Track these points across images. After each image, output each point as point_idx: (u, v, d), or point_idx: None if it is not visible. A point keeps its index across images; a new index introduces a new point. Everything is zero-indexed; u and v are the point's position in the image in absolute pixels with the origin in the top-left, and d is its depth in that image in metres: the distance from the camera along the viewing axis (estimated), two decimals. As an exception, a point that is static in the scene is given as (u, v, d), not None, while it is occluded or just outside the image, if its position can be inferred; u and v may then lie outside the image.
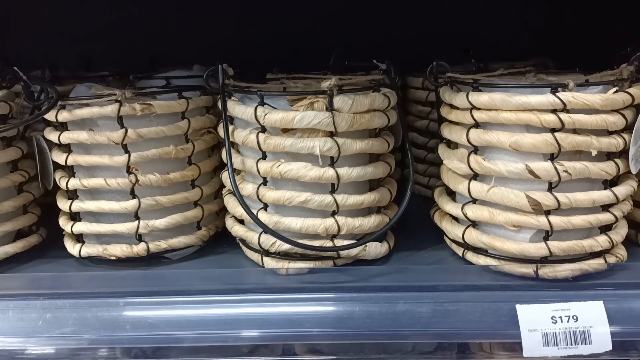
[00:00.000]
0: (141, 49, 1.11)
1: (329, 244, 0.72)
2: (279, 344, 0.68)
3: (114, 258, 0.75)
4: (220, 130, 0.76)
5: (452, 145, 0.76)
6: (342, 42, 0.94)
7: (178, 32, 1.24)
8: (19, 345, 0.69)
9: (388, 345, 0.68)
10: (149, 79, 0.96)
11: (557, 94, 0.62)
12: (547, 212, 0.66)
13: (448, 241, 0.78)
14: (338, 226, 0.71)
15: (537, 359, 0.66)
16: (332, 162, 0.70)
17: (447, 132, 0.74)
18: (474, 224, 0.72)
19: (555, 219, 0.66)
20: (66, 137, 0.74)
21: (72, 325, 0.68)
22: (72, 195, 0.78)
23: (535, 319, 0.66)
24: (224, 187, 0.81)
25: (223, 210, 0.83)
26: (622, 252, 0.72)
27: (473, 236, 0.71)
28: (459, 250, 0.75)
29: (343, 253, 0.72)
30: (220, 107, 0.74)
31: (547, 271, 0.68)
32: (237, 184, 0.73)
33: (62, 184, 0.77)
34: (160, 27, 1.23)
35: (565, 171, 0.64)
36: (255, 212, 0.73)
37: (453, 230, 0.74)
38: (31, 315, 0.69)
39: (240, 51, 1.10)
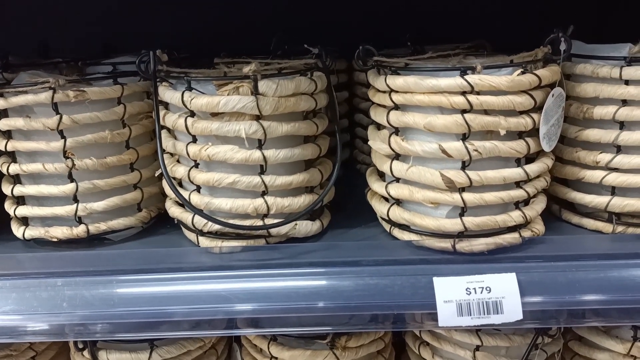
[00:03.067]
0: (99, 37, 1.13)
1: (259, 223, 0.75)
2: (206, 319, 0.72)
3: (56, 240, 0.78)
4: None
5: (380, 127, 0.78)
6: (291, 27, 0.97)
7: (136, 20, 1.26)
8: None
9: (309, 318, 0.71)
10: (98, 65, 0.98)
11: (465, 76, 0.65)
12: (461, 190, 0.69)
13: (379, 218, 0.82)
14: (267, 206, 0.74)
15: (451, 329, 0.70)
16: (260, 145, 0.72)
17: (373, 114, 0.77)
18: (397, 201, 0.75)
19: (469, 196, 0.69)
20: (4, 123, 0.76)
21: (11, 304, 0.72)
22: (15, 180, 0.80)
23: (450, 291, 0.69)
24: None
25: (165, 194, 0.86)
26: (538, 227, 0.75)
27: (396, 213, 0.74)
28: (387, 227, 0.78)
29: (274, 231, 0.75)
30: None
31: (463, 245, 0.72)
32: (171, 166, 0.76)
33: (4, 169, 0.79)
34: (118, 15, 1.25)
35: (476, 150, 0.67)
36: (188, 194, 0.76)
37: (380, 208, 0.77)
38: (-28, 295, 0.73)
39: (198, 37, 1.13)
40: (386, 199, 0.78)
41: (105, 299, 0.71)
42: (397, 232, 0.76)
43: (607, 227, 0.76)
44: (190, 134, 0.72)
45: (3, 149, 0.78)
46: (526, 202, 0.74)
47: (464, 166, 0.68)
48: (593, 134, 0.74)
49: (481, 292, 0.69)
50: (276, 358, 0.81)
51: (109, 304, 0.71)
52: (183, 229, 0.81)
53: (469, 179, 0.68)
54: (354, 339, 0.80)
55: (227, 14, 1.27)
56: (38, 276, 0.73)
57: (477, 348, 0.79)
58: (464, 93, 0.66)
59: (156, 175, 0.79)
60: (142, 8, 1.26)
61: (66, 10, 1.26)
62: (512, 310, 0.69)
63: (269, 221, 0.75)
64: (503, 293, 0.69)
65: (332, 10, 1.24)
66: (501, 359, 0.79)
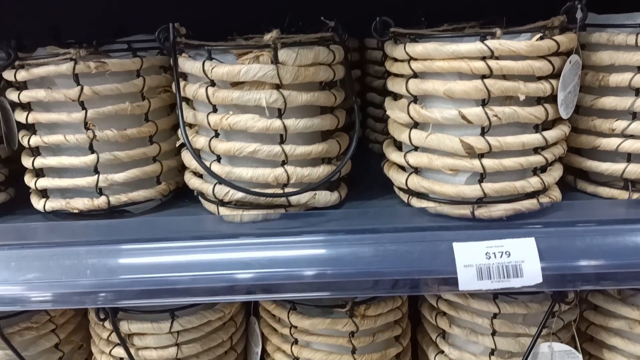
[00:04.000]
0: (113, 20, 1.13)
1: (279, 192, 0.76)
2: (228, 286, 0.72)
3: (77, 211, 0.79)
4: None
5: (397, 97, 0.79)
6: (300, 6, 0.97)
7: (149, 3, 1.26)
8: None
9: (330, 284, 0.72)
10: (112, 44, 0.98)
11: (485, 41, 0.66)
12: (481, 156, 0.70)
13: (396, 190, 0.82)
14: (287, 175, 0.74)
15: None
16: (280, 114, 0.73)
17: (391, 84, 0.77)
18: (416, 170, 0.76)
19: (488, 162, 0.70)
20: (26, 95, 0.77)
21: (35, 272, 0.73)
22: (35, 152, 0.81)
23: (470, 256, 0.70)
24: (183, 143, 0.85)
25: (184, 167, 0.86)
26: (555, 194, 0.76)
27: (415, 182, 0.75)
28: (405, 197, 0.79)
29: (293, 200, 0.76)
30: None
31: (482, 212, 0.72)
32: (191, 137, 0.77)
33: (25, 141, 0.80)
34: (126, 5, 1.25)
35: (495, 115, 0.68)
36: (209, 164, 0.76)
37: (398, 178, 0.78)
38: (-3, 264, 0.74)
39: (211, 20, 1.14)
40: (403, 169, 0.79)
41: (128, 266, 0.72)
42: (415, 202, 0.77)
43: (622, 194, 0.77)
44: (211, 103, 0.73)
45: (24, 121, 0.79)
46: (543, 169, 0.75)
47: (483, 132, 0.69)
48: (609, 101, 0.74)
49: (501, 257, 0.70)
50: (296, 327, 0.83)
51: (132, 271, 0.72)
52: (202, 201, 0.82)
53: (489, 144, 0.69)
54: (373, 307, 0.81)
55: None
56: (61, 245, 0.74)
57: (495, 316, 0.80)
58: (483, 58, 0.66)
59: (177, 144, 0.80)
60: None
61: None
62: (532, 274, 0.70)
63: (288, 191, 0.76)
64: (522, 257, 0.70)
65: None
66: (519, 326, 0.80)
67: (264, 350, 0.91)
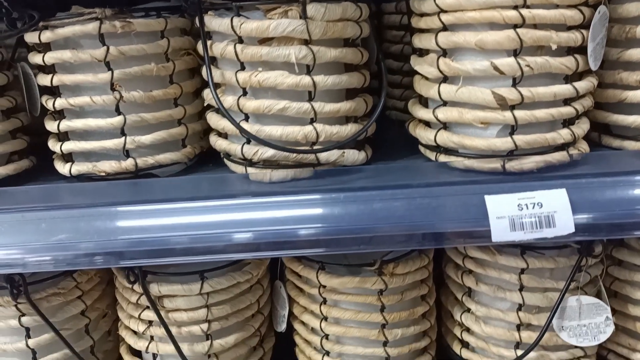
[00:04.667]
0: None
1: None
2: (269, 242, 0.72)
3: (104, 174, 0.79)
4: (200, 50, 0.78)
5: (423, 54, 0.79)
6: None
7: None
8: (17, 255, 0.73)
9: (364, 238, 0.72)
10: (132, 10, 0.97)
11: (517, -10, 0.66)
12: (512, 107, 0.70)
13: (422, 149, 0.82)
14: (317, 133, 0.74)
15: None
16: (308, 71, 0.73)
17: (418, 41, 0.77)
18: (444, 126, 0.76)
19: (520, 113, 0.70)
20: (50, 57, 0.76)
21: (67, 232, 0.73)
22: (60, 116, 0.80)
23: (502, 208, 0.71)
24: (207, 108, 0.85)
25: (207, 132, 0.86)
26: (584, 146, 0.76)
27: (444, 137, 0.75)
28: (432, 155, 0.79)
29: (322, 159, 0.76)
30: (198, 25, 0.77)
31: (513, 164, 0.73)
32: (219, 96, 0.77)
33: (49, 105, 0.79)
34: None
35: (528, 66, 0.68)
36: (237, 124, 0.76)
37: (426, 135, 0.78)
38: (27, 227, 0.73)
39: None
40: (430, 126, 0.79)
41: (159, 225, 0.72)
42: (443, 158, 0.77)
43: (650, 147, 0.78)
44: (239, 60, 0.73)
45: (48, 84, 0.78)
46: (572, 121, 0.75)
47: (515, 83, 0.69)
48: (636, 53, 0.75)
49: (533, 208, 0.70)
50: (325, 286, 0.83)
51: (163, 230, 0.71)
52: (229, 163, 0.81)
53: (521, 95, 0.69)
54: (401, 265, 0.82)
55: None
56: (91, 206, 0.73)
57: (523, 271, 0.81)
58: (516, 7, 0.66)
59: (204, 104, 0.79)
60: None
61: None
62: (565, 224, 0.70)
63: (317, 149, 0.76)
64: (554, 208, 0.70)
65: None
66: (546, 281, 0.81)
67: (290, 314, 0.92)
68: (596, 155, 0.77)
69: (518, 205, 0.71)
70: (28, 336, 0.83)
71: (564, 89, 0.70)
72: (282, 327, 0.92)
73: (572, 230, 0.70)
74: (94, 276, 0.89)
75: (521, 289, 0.82)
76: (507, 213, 0.70)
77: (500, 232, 0.71)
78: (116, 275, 0.86)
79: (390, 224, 0.72)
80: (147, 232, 0.71)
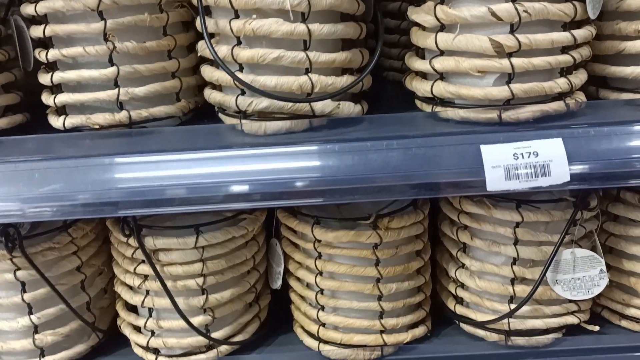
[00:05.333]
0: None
1: (304, 103, 0.75)
2: (265, 192, 0.72)
3: (98, 127, 0.78)
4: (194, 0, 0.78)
5: (420, 3, 0.78)
6: None
7: None
8: (9, 206, 0.73)
9: (361, 188, 0.72)
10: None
11: None
12: (509, 55, 0.69)
13: (418, 103, 0.82)
14: (312, 83, 0.74)
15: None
16: (304, 18, 0.72)
17: (415, -11, 0.76)
18: (441, 76, 0.75)
19: (517, 61, 0.69)
20: (42, 6, 0.75)
21: (61, 182, 0.72)
22: (53, 68, 0.79)
23: (498, 157, 0.70)
24: (202, 62, 0.84)
25: (202, 88, 0.85)
26: (581, 97, 0.76)
27: (441, 88, 0.75)
28: (429, 108, 0.79)
29: (318, 110, 0.75)
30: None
31: (509, 114, 0.72)
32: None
33: (42, 57, 0.78)
34: None
35: (525, 11, 0.67)
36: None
37: (422, 87, 0.77)
38: (20, 177, 0.73)
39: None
40: (426, 77, 0.79)
41: (153, 176, 0.71)
42: (440, 110, 0.77)
43: (646, 99, 0.78)
44: (233, 8, 0.71)
45: (40, 35, 0.77)
46: (569, 70, 0.75)
47: (512, 30, 0.69)
48: (635, 1, 0.74)
49: (528, 157, 0.70)
50: (320, 241, 0.83)
51: (157, 180, 0.71)
52: (224, 117, 0.81)
53: (518, 42, 0.68)
54: (396, 220, 0.82)
55: None
56: (85, 156, 0.73)
57: (518, 225, 0.81)
58: (514, -49, 0.66)
59: (199, 54, 0.78)
60: None
61: None
62: (560, 173, 0.70)
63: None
64: (550, 157, 0.70)
65: None
66: (541, 234, 0.81)
67: (285, 271, 0.92)
68: (593, 105, 0.77)
69: (514, 155, 0.71)
70: (24, 290, 0.83)
71: (562, 37, 0.70)
72: (277, 284, 0.92)
73: (568, 179, 0.70)
74: (89, 232, 0.88)
75: (516, 242, 0.82)
76: (502, 162, 0.70)
77: (495, 182, 0.70)
78: (111, 230, 0.86)
79: (385, 174, 0.71)
80: (141, 182, 0.71)
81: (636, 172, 0.71)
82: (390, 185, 0.72)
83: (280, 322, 0.97)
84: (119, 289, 0.89)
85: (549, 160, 0.70)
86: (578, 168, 0.70)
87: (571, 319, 0.85)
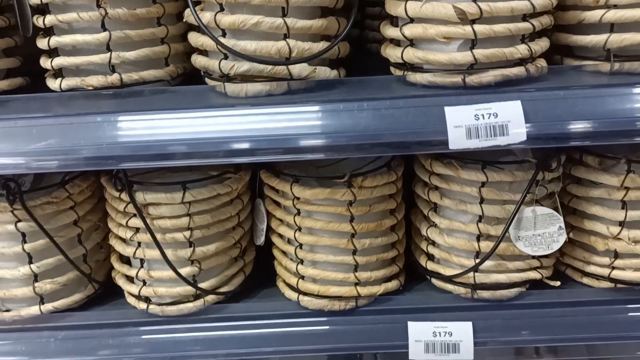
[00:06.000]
0: None
1: (282, 67, 0.80)
2: (245, 149, 0.78)
3: (92, 88, 0.84)
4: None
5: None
6: None
7: None
8: (8, 160, 0.79)
9: (333, 146, 0.77)
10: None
11: None
12: (472, 22, 0.74)
13: (392, 69, 0.87)
14: (289, 48, 0.79)
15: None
16: (282, -13, 0.77)
17: (387, -40, 0.81)
18: (411, 43, 0.80)
19: (479, 28, 0.74)
20: (38, -26, 0.81)
21: (57, 137, 0.78)
22: (50, 33, 0.85)
23: (460, 117, 0.76)
24: (190, 30, 0.89)
25: (190, 54, 0.90)
26: (542, 63, 0.81)
27: (410, 54, 0.80)
28: (400, 73, 0.84)
29: (295, 73, 0.81)
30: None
31: (472, 78, 0.78)
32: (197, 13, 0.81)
33: (40, 22, 0.84)
34: None
35: (486, -20, 0.72)
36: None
37: (394, 53, 0.83)
38: (18, 133, 0.79)
39: None
40: (399, 45, 0.84)
41: (140, 133, 0.77)
42: (410, 76, 0.82)
43: (605, 66, 0.82)
44: (216, -24, 0.77)
45: (38, 2, 0.83)
46: (532, 38, 0.79)
47: (475, -1, 0.74)
48: (595, -27, 0.78)
49: (489, 118, 0.76)
50: (298, 198, 0.89)
51: (144, 136, 0.77)
52: (209, 81, 0.86)
53: (480, 9, 0.73)
54: (369, 179, 0.87)
55: None
56: (80, 114, 0.79)
57: (483, 184, 0.86)
58: None
59: (184, 19, 0.83)
60: None
61: None
62: (517, 133, 0.76)
63: (290, 66, 0.81)
64: (509, 118, 0.75)
65: None
66: (505, 193, 0.86)
67: (268, 228, 0.98)
68: (553, 71, 0.82)
69: (475, 116, 0.76)
70: (24, 241, 0.89)
71: (522, 5, 0.74)
72: (261, 240, 0.98)
73: (524, 138, 0.76)
74: (86, 189, 0.95)
75: (481, 201, 0.87)
76: (464, 122, 0.76)
77: (457, 140, 0.76)
78: (105, 187, 0.92)
79: (356, 132, 0.77)
80: (130, 137, 0.77)
81: (588, 133, 0.76)
82: (360, 143, 0.78)
83: (264, 278, 1.03)
84: (113, 242, 0.95)
85: (508, 121, 0.75)
86: (534, 129, 0.76)
87: (534, 274, 0.91)
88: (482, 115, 0.75)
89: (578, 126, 0.75)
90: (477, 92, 0.78)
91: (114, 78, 0.83)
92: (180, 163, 0.78)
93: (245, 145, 0.77)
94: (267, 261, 1.03)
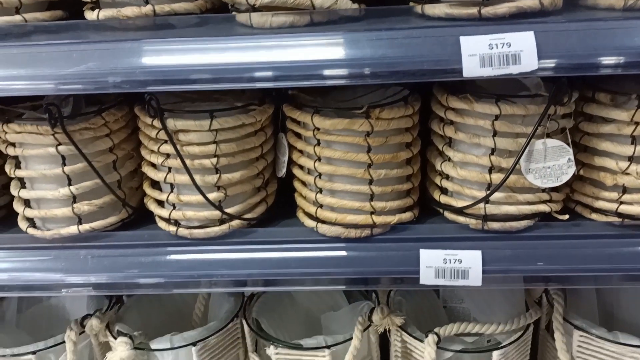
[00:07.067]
0: None
1: (306, -2, 0.85)
2: (269, 75, 0.83)
3: (126, 18, 0.90)
4: None
5: None
6: None
7: None
8: (50, 84, 0.85)
9: (354, 73, 0.82)
10: None
11: None
12: (488, -46, 0.78)
13: (412, 3, 0.90)
14: (313, -20, 0.83)
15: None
16: None
17: None
18: (429, -25, 0.84)
19: (495, -42, 0.77)
20: None
21: (95, 61, 0.84)
22: (88, -34, 0.91)
23: (474, 47, 0.79)
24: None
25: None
26: (557, -2, 0.84)
27: (428, -15, 0.83)
28: (419, 8, 0.88)
29: (317, 3, 0.85)
30: None
31: (488, 10, 0.81)
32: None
33: (78, -45, 0.90)
34: None
35: None
36: (242, -28, 0.85)
37: (413, -13, 0.86)
38: (60, 57, 0.85)
39: None
40: (419, -20, 0.87)
41: (173, 60, 0.83)
42: (428, 8, 0.86)
43: (619, 2, 0.84)
44: None
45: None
46: (546, -28, 0.82)
47: None
48: None
49: (502, 47, 0.79)
50: (319, 129, 0.93)
51: (176, 61, 0.83)
52: (237, 15, 0.91)
53: (496, -60, 0.76)
54: (387, 111, 0.91)
55: None
56: (116, 41, 0.85)
57: (497, 117, 0.89)
58: None
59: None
60: None
61: None
62: (529, 62, 0.79)
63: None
64: (521, 47, 0.79)
65: None
66: (518, 126, 0.89)
67: (289, 161, 1.03)
68: (567, 5, 0.84)
69: (489, 45, 0.79)
70: (64, 164, 0.97)
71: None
72: (282, 172, 1.04)
73: (536, 67, 0.79)
74: (120, 118, 1.01)
75: (494, 134, 0.91)
76: (478, 51, 0.79)
77: (471, 68, 0.80)
78: (139, 115, 0.98)
79: (374, 60, 0.81)
80: (162, 61, 0.83)
81: (599, 64, 0.79)
82: (378, 71, 0.82)
83: (284, 211, 1.09)
84: (145, 168, 1.02)
85: (520, 50, 0.78)
86: (546, 59, 0.79)
87: (543, 207, 0.95)
88: (496, 44, 0.79)
89: (589, 58, 0.78)
90: (491, 24, 0.81)
91: (147, 9, 0.89)
92: (207, 87, 0.83)
93: (268, 73, 0.82)
94: (288, 197, 1.09)
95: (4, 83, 0.85)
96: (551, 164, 0.90)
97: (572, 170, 0.89)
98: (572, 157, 0.89)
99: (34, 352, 1.13)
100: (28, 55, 0.85)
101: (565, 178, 0.90)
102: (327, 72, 0.82)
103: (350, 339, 1.09)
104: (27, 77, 0.84)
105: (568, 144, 0.90)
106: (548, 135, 0.90)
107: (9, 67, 0.84)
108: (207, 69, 0.83)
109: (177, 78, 0.83)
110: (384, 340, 1.18)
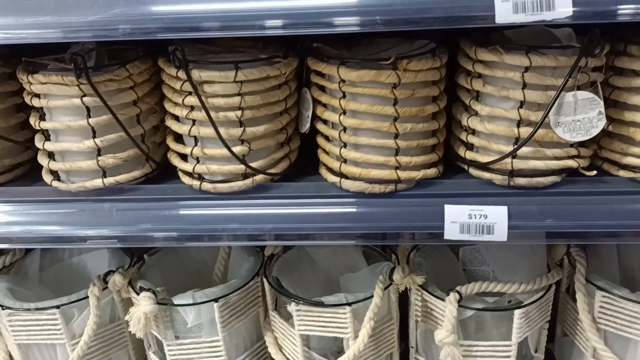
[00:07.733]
0: None
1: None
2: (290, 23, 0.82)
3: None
4: None
5: None
6: None
7: None
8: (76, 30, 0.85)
9: (385, 20, 0.81)
10: None
11: None
12: None
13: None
14: None
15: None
16: None
17: None
18: None
19: None
20: None
21: (122, 6, 0.84)
22: None
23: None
24: None
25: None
26: (592, -57, 0.81)
27: None
28: (450, -45, 0.86)
29: (346, -49, 0.84)
30: None
31: (522, -46, 0.79)
32: None
33: None
34: None
35: None
36: None
37: None
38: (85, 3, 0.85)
39: None
40: None
41: (182, 7, 0.83)
42: (459, -44, 0.84)
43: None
44: None
45: None
46: None
47: None
48: None
49: (536, -6, 0.77)
50: (344, 81, 0.93)
51: (185, 7, 0.83)
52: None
53: None
54: (414, 62, 0.90)
55: None
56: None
57: (526, 69, 0.88)
58: None
59: None
60: None
61: None
62: (563, 10, 0.77)
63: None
64: None
65: None
66: (548, 78, 0.88)
67: (313, 117, 1.03)
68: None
69: (522, -10, 0.78)
70: (89, 115, 0.97)
71: None
72: (306, 127, 1.03)
73: (570, 13, 0.77)
74: (144, 71, 1.01)
75: (524, 87, 0.90)
76: (511, -5, 0.78)
77: (504, 15, 0.78)
78: (163, 67, 0.98)
79: (404, 6, 0.80)
80: (175, 9, 0.83)
81: (631, 13, 0.77)
82: (409, 17, 0.81)
83: (307, 168, 1.09)
84: (169, 122, 1.02)
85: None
86: (581, 5, 0.77)
87: (570, 163, 0.94)
88: (532, -11, 0.77)
89: (621, 6, 0.77)
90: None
91: (173, -43, 0.88)
92: (217, 34, 0.83)
93: (289, 21, 0.82)
94: (310, 155, 1.09)
95: (33, 31, 0.85)
96: (581, 117, 0.89)
97: (602, 123, 0.88)
98: (602, 110, 0.88)
99: (57, 307, 1.14)
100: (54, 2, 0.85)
101: (594, 131, 0.89)
102: (353, 19, 0.81)
103: (371, 297, 1.09)
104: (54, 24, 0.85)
105: (599, 97, 0.89)
106: (578, 88, 0.89)
107: (38, 14, 0.84)
108: (216, 16, 0.82)
109: (186, 25, 0.83)
110: (402, 302, 1.19)
